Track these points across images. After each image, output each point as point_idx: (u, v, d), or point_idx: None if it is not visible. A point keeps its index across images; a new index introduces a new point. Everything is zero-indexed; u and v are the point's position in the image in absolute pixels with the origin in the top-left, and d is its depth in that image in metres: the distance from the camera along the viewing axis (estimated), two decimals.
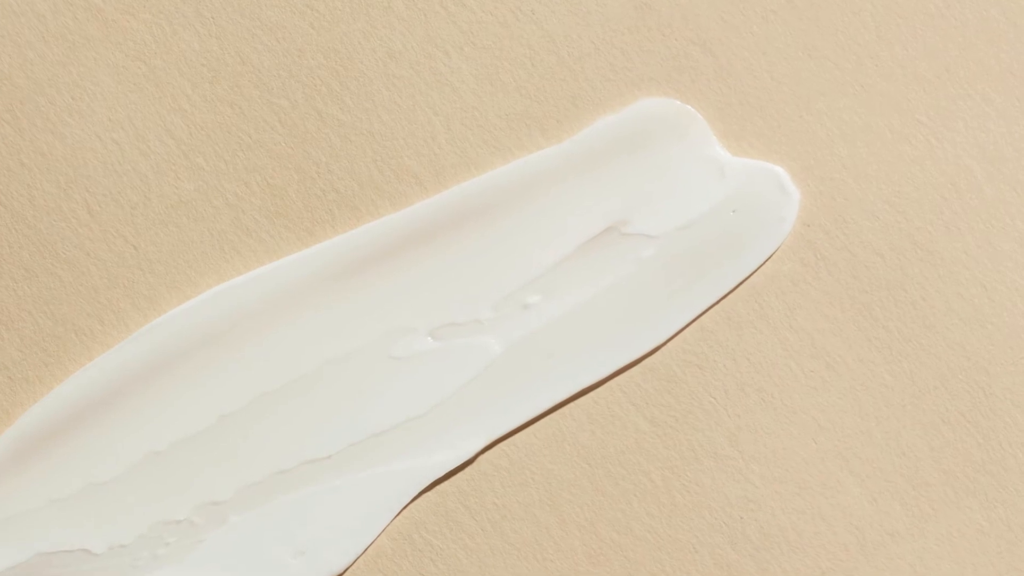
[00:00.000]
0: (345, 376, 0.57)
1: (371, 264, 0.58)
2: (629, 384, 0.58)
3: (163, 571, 0.56)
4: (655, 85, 0.59)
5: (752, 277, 0.59)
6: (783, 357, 0.59)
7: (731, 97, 0.60)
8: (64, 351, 0.57)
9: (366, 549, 0.57)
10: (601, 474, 0.58)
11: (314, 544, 0.56)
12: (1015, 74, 0.60)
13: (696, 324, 0.59)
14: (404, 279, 0.58)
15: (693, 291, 0.58)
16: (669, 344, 0.58)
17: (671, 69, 0.59)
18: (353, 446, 0.57)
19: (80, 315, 0.57)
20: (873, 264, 0.59)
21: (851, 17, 0.60)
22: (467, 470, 0.57)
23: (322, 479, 0.56)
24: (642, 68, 0.59)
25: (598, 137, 0.59)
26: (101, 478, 0.56)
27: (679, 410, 0.58)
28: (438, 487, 0.57)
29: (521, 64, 0.59)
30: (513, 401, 0.57)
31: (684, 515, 0.58)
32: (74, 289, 0.57)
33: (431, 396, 0.57)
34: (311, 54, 0.59)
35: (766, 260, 0.59)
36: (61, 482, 0.56)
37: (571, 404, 0.58)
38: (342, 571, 0.57)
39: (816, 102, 0.60)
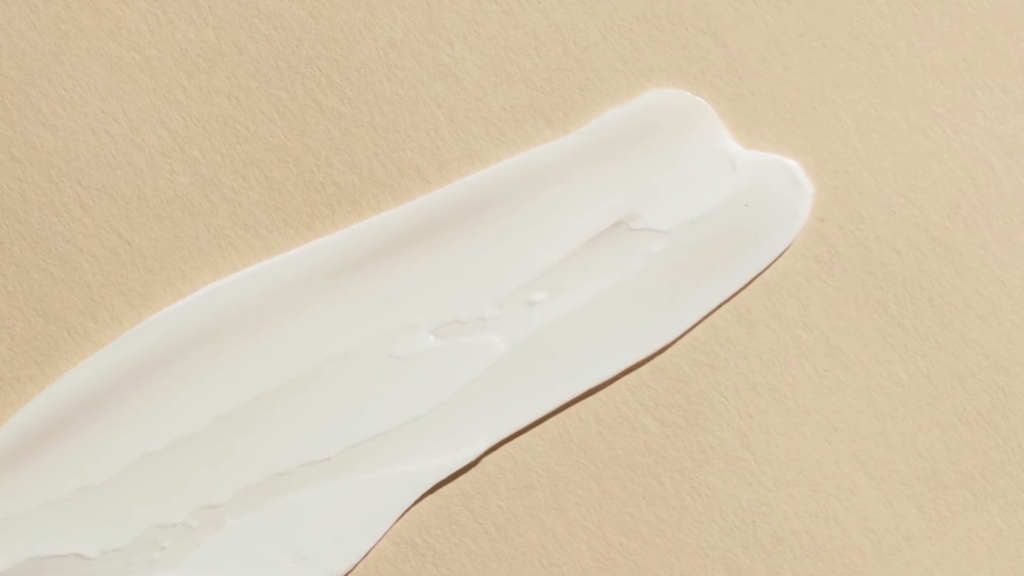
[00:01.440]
0: (345, 375, 0.57)
1: (372, 260, 0.58)
2: (637, 384, 0.58)
3: None
4: (664, 76, 0.59)
5: (764, 273, 0.59)
6: (796, 356, 0.59)
7: (743, 88, 0.59)
8: (57, 350, 0.57)
9: (367, 553, 0.57)
10: (608, 476, 0.58)
11: (314, 548, 0.56)
12: None
13: (706, 322, 0.59)
14: (406, 276, 0.58)
15: (703, 288, 0.58)
16: (679, 342, 0.59)
17: (681, 59, 0.59)
18: (353, 447, 0.57)
19: (73, 313, 0.57)
20: (889, 260, 0.59)
21: (866, 6, 0.60)
22: (470, 472, 0.58)
23: (322, 481, 0.57)
24: (651, 58, 0.59)
25: (606, 129, 0.59)
26: (95, 480, 0.56)
27: (689, 411, 0.58)
28: (441, 490, 0.58)
29: (526, 54, 0.59)
30: (518, 401, 0.58)
31: (694, 518, 0.58)
32: (67, 286, 0.57)
33: (433, 396, 0.57)
34: (310, 44, 0.59)
35: (779, 256, 0.59)
36: (54, 484, 0.56)
37: (578, 404, 0.58)
38: None
39: (830, 93, 0.60)
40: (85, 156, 0.58)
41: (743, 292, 0.59)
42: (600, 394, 0.58)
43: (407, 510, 0.57)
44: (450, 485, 0.57)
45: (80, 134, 0.58)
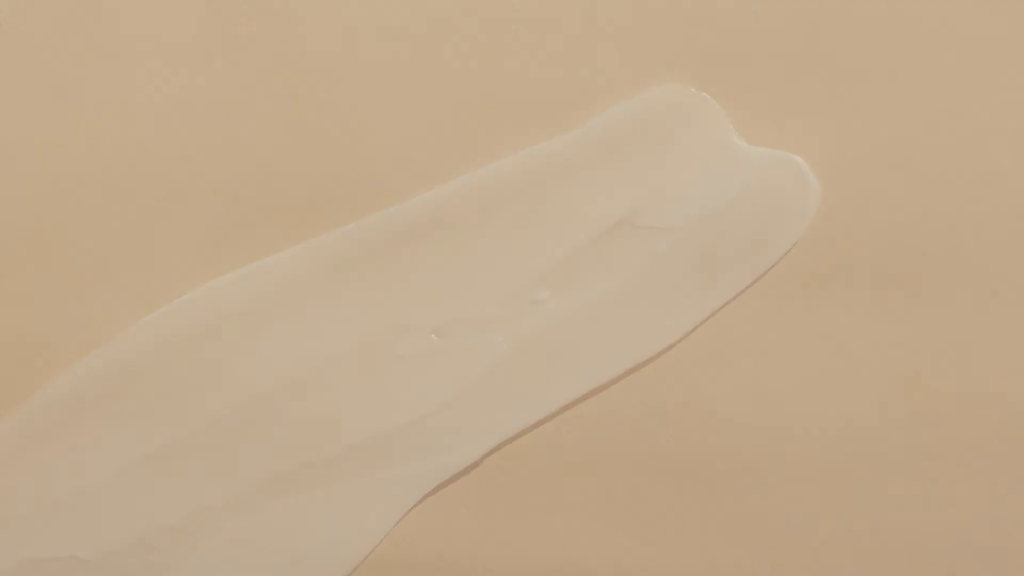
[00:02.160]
0: (346, 375, 0.57)
1: (373, 259, 0.58)
2: (641, 384, 0.58)
3: None
4: (669, 72, 0.59)
5: (770, 272, 0.59)
6: (802, 355, 0.58)
7: (748, 84, 0.59)
8: (52, 349, 0.57)
9: (367, 556, 0.57)
10: (612, 477, 0.58)
11: (312, 551, 0.56)
12: None
13: (711, 321, 0.58)
14: (407, 274, 0.57)
15: (708, 287, 0.58)
16: (683, 342, 0.58)
17: (685, 55, 0.59)
18: (353, 449, 0.57)
19: (69, 312, 0.57)
20: (896, 258, 0.58)
21: (874, 0, 0.59)
22: (472, 473, 0.58)
23: (321, 483, 0.57)
24: (655, 54, 0.59)
25: (609, 126, 0.59)
26: (91, 482, 0.56)
27: (693, 411, 0.58)
28: (442, 491, 0.58)
29: (529, 50, 0.58)
30: (520, 401, 0.57)
31: (698, 520, 0.58)
32: (62, 284, 0.57)
33: (435, 396, 0.57)
34: (310, 39, 0.58)
35: (784, 254, 0.59)
36: (50, 486, 0.56)
37: (580, 404, 0.58)
38: None
39: (837, 90, 0.59)
40: (81, 153, 0.57)
41: (748, 290, 0.58)
42: (603, 394, 0.58)
43: (408, 511, 0.57)
44: (451, 486, 0.57)
45: (76, 131, 0.57)
